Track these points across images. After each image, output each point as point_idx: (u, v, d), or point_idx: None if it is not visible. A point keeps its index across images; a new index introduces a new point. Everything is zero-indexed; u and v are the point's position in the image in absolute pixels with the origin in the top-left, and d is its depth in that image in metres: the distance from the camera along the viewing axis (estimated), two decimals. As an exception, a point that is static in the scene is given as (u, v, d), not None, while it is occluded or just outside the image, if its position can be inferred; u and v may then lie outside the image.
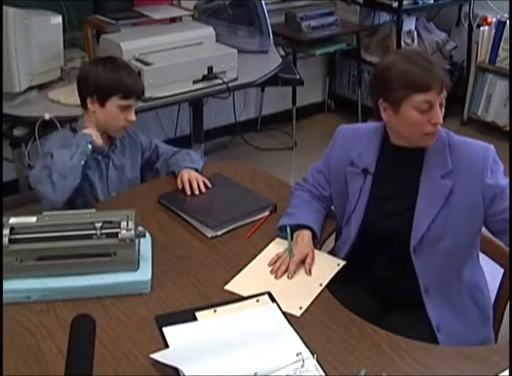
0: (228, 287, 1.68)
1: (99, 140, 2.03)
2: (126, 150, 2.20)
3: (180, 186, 2.10)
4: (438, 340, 1.67)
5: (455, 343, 1.63)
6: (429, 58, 1.64)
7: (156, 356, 1.41)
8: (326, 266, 1.77)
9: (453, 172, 1.68)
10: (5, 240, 1.59)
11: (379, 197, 1.78)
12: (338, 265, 1.78)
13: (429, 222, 1.68)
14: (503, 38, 4.18)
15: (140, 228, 1.70)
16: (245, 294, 1.65)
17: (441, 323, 1.69)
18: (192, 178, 2.10)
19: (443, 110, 1.64)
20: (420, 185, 1.71)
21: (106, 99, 2.02)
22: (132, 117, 2.07)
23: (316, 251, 1.83)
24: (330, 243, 1.98)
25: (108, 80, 2.02)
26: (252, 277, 1.72)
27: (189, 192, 2.07)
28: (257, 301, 1.61)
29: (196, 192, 2.07)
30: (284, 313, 1.57)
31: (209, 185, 2.12)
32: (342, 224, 1.89)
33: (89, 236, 1.63)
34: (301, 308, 1.60)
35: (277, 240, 1.88)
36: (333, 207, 1.97)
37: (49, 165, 1.92)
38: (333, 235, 1.99)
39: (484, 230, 1.91)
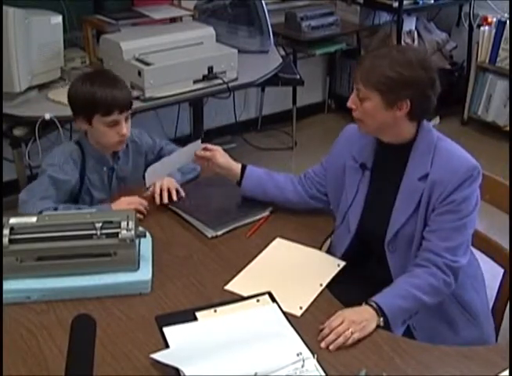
0: (228, 287, 1.68)
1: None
2: (129, 161, 2.14)
3: (150, 193, 2.02)
4: (416, 338, 1.67)
5: (433, 342, 1.60)
6: None
7: (157, 356, 1.41)
8: (327, 267, 1.77)
9: (429, 177, 1.67)
10: (5, 240, 1.59)
11: (374, 192, 1.79)
12: (338, 265, 1.78)
13: (403, 221, 1.71)
14: (504, 38, 4.18)
15: (140, 228, 1.70)
16: (245, 294, 1.64)
17: (416, 321, 1.69)
18: (163, 186, 2.01)
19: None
20: (401, 183, 1.72)
21: (90, 118, 1.95)
22: (123, 131, 1.97)
23: (316, 251, 1.84)
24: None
25: (84, 99, 1.94)
26: (252, 277, 1.72)
27: (158, 201, 2.00)
28: (258, 301, 1.61)
29: (165, 201, 1.99)
30: (284, 313, 1.57)
31: (181, 194, 2.03)
32: (338, 222, 1.89)
33: (89, 237, 1.62)
34: (301, 308, 1.60)
35: (278, 240, 1.88)
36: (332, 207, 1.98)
37: (44, 211, 1.86)
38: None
39: (482, 230, 1.92)
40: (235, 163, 2.00)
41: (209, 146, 2.00)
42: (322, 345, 1.48)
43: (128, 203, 1.96)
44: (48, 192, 1.95)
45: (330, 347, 1.47)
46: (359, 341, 1.49)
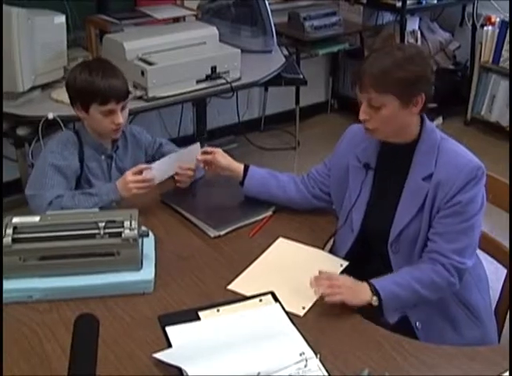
0: (231, 286, 1.68)
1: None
2: (128, 152, 2.16)
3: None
4: (418, 338, 1.67)
5: (435, 342, 1.60)
6: None
7: (159, 355, 1.41)
8: (329, 267, 1.76)
9: (434, 177, 1.67)
10: (9, 239, 1.59)
11: (377, 192, 1.79)
12: (341, 265, 1.78)
13: (407, 222, 1.71)
14: (507, 38, 4.17)
15: (143, 227, 1.71)
16: (248, 293, 1.65)
17: (418, 321, 1.69)
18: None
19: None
20: (405, 183, 1.73)
21: (87, 106, 1.97)
22: (118, 119, 1.98)
23: (319, 251, 1.84)
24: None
25: (82, 87, 1.96)
26: (255, 277, 1.72)
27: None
28: (260, 300, 1.62)
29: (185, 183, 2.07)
30: (287, 313, 1.57)
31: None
32: (341, 222, 1.89)
33: (92, 236, 1.63)
34: (304, 308, 1.60)
35: (280, 239, 1.88)
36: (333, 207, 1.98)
37: (54, 200, 1.88)
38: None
39: (485, 230, 1.91)
40: (236, 163, 2.01)
41: (209, 148, 2.00)
42: (312, 284, 1.58)
43: (132, 173, 1.94)
44: (54, 180, 1.95)
45: (318, 289, 1.56)
46: (361, 340, 1.49)
